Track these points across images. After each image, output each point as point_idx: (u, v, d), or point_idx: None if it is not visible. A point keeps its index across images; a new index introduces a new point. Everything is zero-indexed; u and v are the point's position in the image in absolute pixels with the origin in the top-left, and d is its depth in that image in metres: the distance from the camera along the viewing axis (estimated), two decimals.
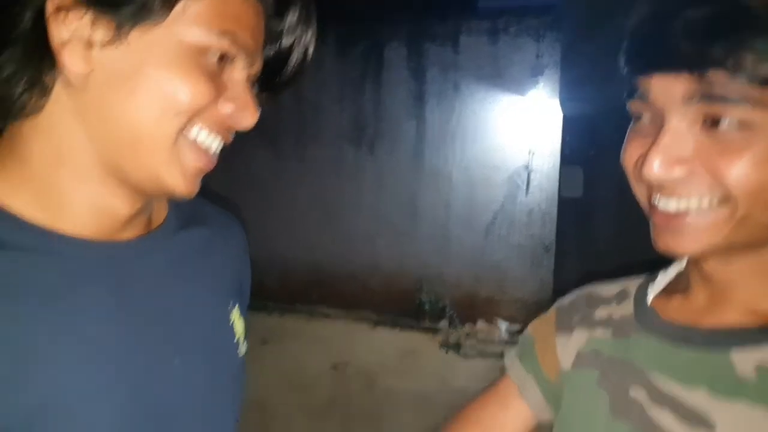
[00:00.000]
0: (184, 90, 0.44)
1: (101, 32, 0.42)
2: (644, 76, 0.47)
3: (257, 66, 0.50)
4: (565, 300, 0.67)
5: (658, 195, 0.51)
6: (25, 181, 0.44)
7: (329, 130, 6.20)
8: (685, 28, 0.46)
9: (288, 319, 5.93)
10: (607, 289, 0.63)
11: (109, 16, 0.42)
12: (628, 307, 0.60)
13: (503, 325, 5.50)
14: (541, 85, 5.45)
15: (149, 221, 0.53)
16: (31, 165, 0.44)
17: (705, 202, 0.49)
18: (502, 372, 0.68)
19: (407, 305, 5.90)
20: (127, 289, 0.49)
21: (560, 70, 4.87)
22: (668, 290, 0.59)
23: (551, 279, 5.14)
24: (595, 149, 4.71)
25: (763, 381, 0.48)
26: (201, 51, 0.45)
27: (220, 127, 0.50)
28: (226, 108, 0.49)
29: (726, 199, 0.48)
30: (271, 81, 0.51)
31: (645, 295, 0.59)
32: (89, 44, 0.42)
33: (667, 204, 0.51)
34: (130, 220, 0.51)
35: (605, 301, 0.65)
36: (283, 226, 6.13)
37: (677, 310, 0.57)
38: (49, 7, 0.40)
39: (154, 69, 0.44)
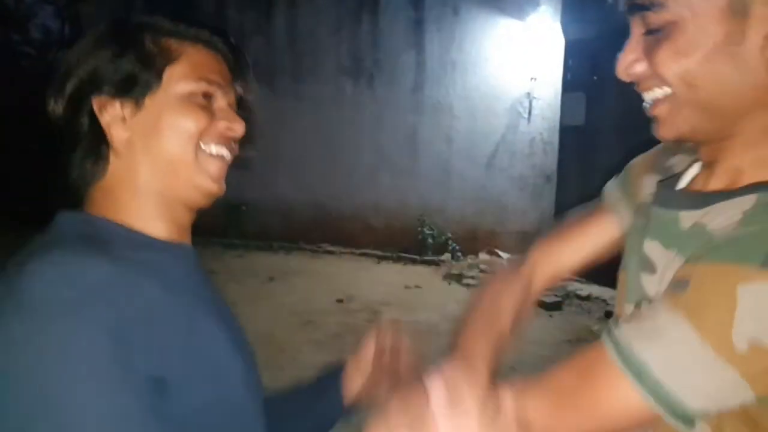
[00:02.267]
0: (188, 122, 0.67)
1: (127, 109, 0.67)
2: None
3: (232, 95, 0.73)
4: (658, 149, 0.75)
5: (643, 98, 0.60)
6: (125, 211, 0.68)
7: (326, 65, 6.04)
8: None
9: (293, 257, 5.98)
10: (684, 154, 0.71)
11: (128, 97, 0.67)
12: (675, 171, 0.69)
13: (505, 256, 5.55)
14: (542, 8, 5.22)
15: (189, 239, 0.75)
16: (125, 203, 0.68)
17: (660, 93, 0.58)
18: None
19: (410, 240, 5.95)
20: (199, 281, 0.72)
21: None
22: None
23: (552, 209, 5.12)
24: (597, 74, 4.56)
25: (692, 233, 0.58)
26: (190, 95, 0.68)
27: (221, 140, 0.70)
28: (220, 125, 0.70)
29: (666, 85, 0.57)
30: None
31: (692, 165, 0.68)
32: (123, 119, 0.67)
33: (644, 97, 0.60)
34: (187, 230, 0.72)
35: (674, 165, 0.71)
36: (285, 167, 6.10)
37: (693, 183, 0.66)
38: (95, 107, 0.66)
39: (166, 117, 0.67)
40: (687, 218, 0.60)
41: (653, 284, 0.61)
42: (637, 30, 0.59)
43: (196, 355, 0.62)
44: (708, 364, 0.51)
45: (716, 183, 0.61)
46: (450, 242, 5.66)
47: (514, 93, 5.34)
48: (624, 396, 0.54)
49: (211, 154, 0.69)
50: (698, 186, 0.65)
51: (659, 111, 0.59)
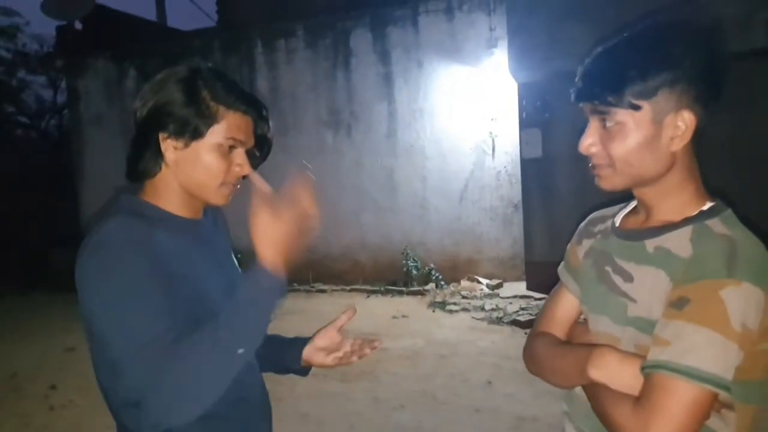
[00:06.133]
0: (213, 167, 0.99)
1: (180, 143, 0.97)
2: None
3: (250, 143, 1.02)
4: (581, 225, 1.09)
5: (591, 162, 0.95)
6: (163, 199, 1.02)
7: (307, 119, 6.54)
8: (584, 78, 0.90)
9: (288, 299, 6.29)
10: (602, 213, 1.06)
11: (181, 138, 0.97)
12: (609, 223, 1.02)
13: (484, 281, 5.92)
14: (496, 55, 5.78)
15: (201, 215, 1.09)
16: (164, 194, 1.02)
17: (605, 163, 0.90)
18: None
19: (396, 273, 6.32)
20: (205, 239, 1.07)
21: (508, 40, 5.20)
22: (630, 213, 1.00)
23: (521, 234, 5.53)
24: (549, 112, 5.08)
25: (658, 254, 0.89)
26: (220, 145, 0.98)
27: (233, 178, 1.01)
28: (235, 169, 1.00)
29: (611, 162, 0.89)
30: (260, 149, 1.07)
31: (618, 215, 1.02)
32: (175, 148, 0.98)
33: (593, 165, 0.93)
34: (197, 212, 1.06)
35: (601, 221, 1.05)
36: None
37: (630, 223, 0.98)
38: (160, 137, 0.97)
39: (202, 158, 0.98)
40: (650, 244, 0.90)
41: (634, 289, 0.89)
42: (594, 123, 0.90)
43: (187, 278, 0.97)
44: (724, 346, 0.76)
45: (656, 221, 0.91)
46: (433, 272, 6.04)
47: (477, 133, 5.86)
48: (688, 396, 0.76)
49: (225, 186, 1.00)
50: (638, 224, 0.93)
51: (603, 174, 0.90)
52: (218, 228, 1.14)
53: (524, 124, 5.23)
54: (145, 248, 0.91)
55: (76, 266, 0.92)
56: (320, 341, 1.20)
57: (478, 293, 5.65)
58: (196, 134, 0.96)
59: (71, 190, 7.59)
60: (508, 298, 5.43)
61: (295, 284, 6.37)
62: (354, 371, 4.31)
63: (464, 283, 5.90)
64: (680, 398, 0.76)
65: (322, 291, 6.42)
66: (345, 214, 6.37)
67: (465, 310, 5.31)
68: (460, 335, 4.76)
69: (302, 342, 1.21)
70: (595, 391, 0.88)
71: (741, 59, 4.31)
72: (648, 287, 0.87)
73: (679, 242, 0.86)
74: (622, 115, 0.85)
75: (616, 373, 0.85)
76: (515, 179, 5.65)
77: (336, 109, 6.32)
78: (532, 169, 5.27)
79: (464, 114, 5.86)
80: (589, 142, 0.90)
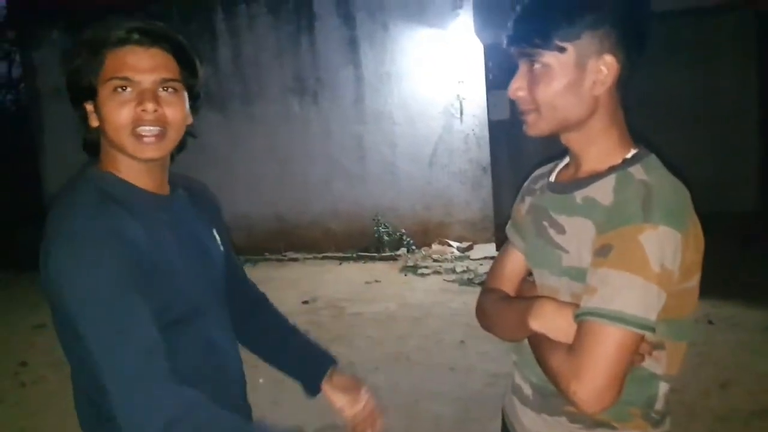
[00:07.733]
0: (113, 117, 0.92)
1: (91, 107, 0.94)
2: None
3: (149, 77, 0.91)
4: (525, 183, 1.11)
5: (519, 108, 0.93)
6: (117, 166, 0.97)
7: (272, 86, 6.38)
8: (515, 23, 0.92)
9: (259, 268, 6.20)
10: (542, 170, 1.08)
11: (89, 101, 0.93)
12: (546, 179, 1.03)
13: (454, 244, 6.00)
14: (461, 17, 5.72)
15: (167, 189, 1.02)
16: (113, 161, 0.98)
17: (531, 108, 0.92)
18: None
19: (368, 240, 6.34)
20: (176, 219, 1.01)
21: (473, 1, 5.13)
22: (564, 167, 1.02)
23: (490, 197, 5.59)
24: (514, 72, 5.07)
25: (585, 204, 0.91)
26: (111, 92, 0.91)
27: (140, 121, 0.92)
28: (137, 110, 0.92)
29: (537, 106, 0.90)
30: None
31: (554, 171, 1.04)
32: (93, 113, 0.94)
33: (521, 110, 0.94)
34: (161, 183, 0.99)
35: (541, 177, 1.06)
36: (243, 185, 6.40)
37: (563, 177, 1.00)
38: (87, 109, 0.94)
39: (104, 112, 0.93)
40: (579, 195, 0.92)
41: (566, 240, 0.92)
42: (522, 67, 0.91)
43: (161, 269, 0.92)
44: (645, 288, 0.80)
45: (584, 172, 0.93)
46: (404, 237, 6.08)
47: (445, 96, 5.83)
48: (614, 339, 0.79)
49: (137, 134, 0.91)
50: (569, 177, 0.96)
51: (529, 119, 0.92)
52: (196, 205, 1.07)
53: (491, 86, 5.21)
54: (120, 241, 0.87)
55: (45, 254, 0.88)
56: (342, 390, 1.16)
57: (449, 256, 5.72)
58: (92, 91, 0.92)
59: (33, 166, 7.35)
60: (478, 259, 5.52)
61: (266, 254, 6.33)
62: (328, 336, 4.34)
63: (435, 246, 5.97)
64: (607, 342, 0.80)
65: (294, 260, 6.41)
66: (315, 182, 6.33)
67: (437, 273, 5.38)
68: (432, 297, 4.83)
69: (327, 364, 1.19)
70: (536, 341, 0.91)
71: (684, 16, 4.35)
72: (578, 237, 0.90)
73: (604, 191, 0.89)
74: (548, 57, 0.87)
75: (552, 322, 0.88)
76: (483, 142, 5.66)
77: (301, 75, 6.20)
78: (499, 131, 5.28)
79: (431, 77, 5.81)
80: (517, 86, 0.91)
